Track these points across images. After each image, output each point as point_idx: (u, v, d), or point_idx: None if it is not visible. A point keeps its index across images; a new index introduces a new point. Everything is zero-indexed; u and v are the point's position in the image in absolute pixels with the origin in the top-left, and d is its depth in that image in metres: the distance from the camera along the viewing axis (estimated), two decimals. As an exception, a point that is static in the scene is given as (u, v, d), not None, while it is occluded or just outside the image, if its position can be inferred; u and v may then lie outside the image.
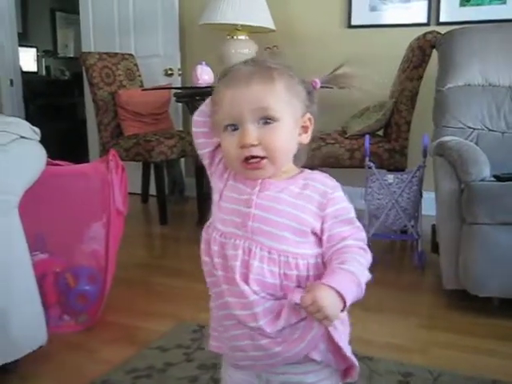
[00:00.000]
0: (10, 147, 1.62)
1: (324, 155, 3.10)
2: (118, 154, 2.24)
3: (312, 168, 1.01)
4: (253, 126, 0.91)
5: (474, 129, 2.67)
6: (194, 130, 1.03)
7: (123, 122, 3.92)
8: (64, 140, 5.66)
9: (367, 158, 2.77)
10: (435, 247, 2.46)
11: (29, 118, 4.42)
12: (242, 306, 0.92)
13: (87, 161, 4.38)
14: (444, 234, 2.23)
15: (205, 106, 1.02)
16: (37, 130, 1.75)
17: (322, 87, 1.03)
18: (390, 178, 2.68)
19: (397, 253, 3.10)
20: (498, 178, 2.15)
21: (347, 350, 0.98)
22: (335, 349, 0.96)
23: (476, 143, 2.52)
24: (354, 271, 0.89)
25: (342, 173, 3.68)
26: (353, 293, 0.87)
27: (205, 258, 0.99)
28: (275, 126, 0.92)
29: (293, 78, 0.96)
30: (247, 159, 0.92)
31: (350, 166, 3.11)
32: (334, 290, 0.84)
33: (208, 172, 1.04)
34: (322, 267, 0.93)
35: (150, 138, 3.61)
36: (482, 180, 2.11)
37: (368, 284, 2.73)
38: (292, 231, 0.92)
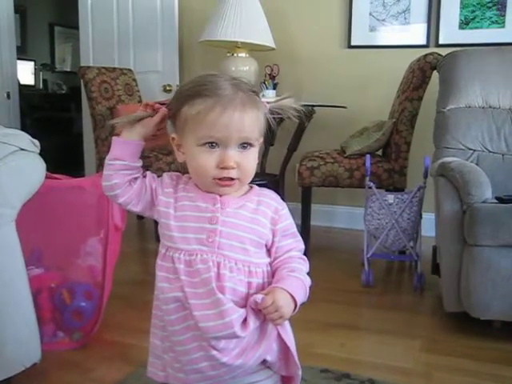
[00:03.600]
0: (9, 159, 1.59)
1: (323, 174, 3.08)
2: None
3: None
4: (234, 151, 1.00)
5: (475, 150, 2.66)
6: (117, 194, 1.08)
7: (121, 137, 3.89)
8: (60, 154, 5.62)
9: (367, 178, 2.76)
10: (435, 269, 2.44)
11: (25, 131, 4.39)
12: (217, 315, 0.98)
13: (83, 176, 4.34)
14: (445, 256, 2.20)
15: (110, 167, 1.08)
16: (36, 142, 1.72)
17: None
18: (391, 198, 2.67)
19: (395, 274, 3.08)
20: (501, 200, 2.14)
21: (294, 351, 1.07)
22: (285, 350, 1.07)
23: (476, 165, 2.51)
24: (302, 278, 1.03)
25: (340, 192, 3.72)
26: (301, 296, 1.01)
27: (162, 285, 1.04)
28: (251, 151, 1.02)
29: (262, 103, 1.05)
30: (222, 178, 1.00)
31: (350, 185, 3.09)
32: (288, 293, 0.98)
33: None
34: (271, 275, 1.05)
35: (147, 153, 3.58)
36: (484, 202, 2.10)
37: (368, 305, 2.69)
38: (252, 244, 1.03)
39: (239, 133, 0.98)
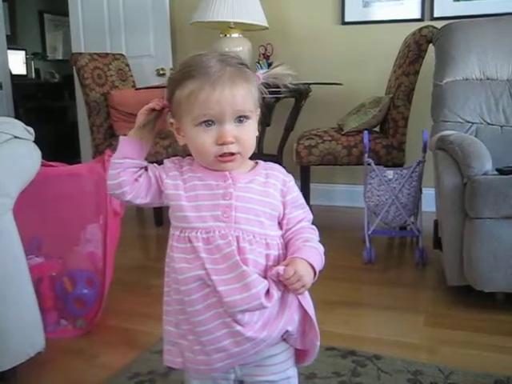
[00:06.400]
0: (4, 147, 1.57)
1: (321, 153, 3.06)
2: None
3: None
4: (231, 125, 1.00)
5: (473, 123, 2.64)
6: (126, 191, 1.07)
7: (116, 123, 3.87)
8: (55, 143, 5.60)
9: (366, 155, 2.74)
10: (437, 243, 2.43)
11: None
12: (243, 288, 0.99)
13: (79, 163, 4.31)
14: (447, 230, 2.19)
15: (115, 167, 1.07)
16: (31, 129, 1.69)
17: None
18: (390, 173, 2.65)
19: (397, 250, 3.08)
20: (501, 172, 2.12)
21: (315, 319, 1.09)
22: (304, 322, 1.09)
23: (475, 137, 2.49)
24: (317, 247, 1.06)
25: (339, 170, 3.70)
26: (319, 264, 1.04)
27: (180, 265, 1.03)
28: (248, 123, 1.02)
29: (254, 76, 1.05)
30: (223, 154, 1.01)
31: (348, 163, 3.08)
32: (307, 262, 1.01)
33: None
34: (284, 247, 1.06)
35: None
36: (485, 174, 2.08)
37: (370, 281, 2.69)
38: (266, 216, 1.04)
39: (232, 107, 0.98)
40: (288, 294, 1.04)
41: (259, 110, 1.07)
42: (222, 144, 0.99)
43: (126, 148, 1.08)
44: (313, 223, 1.12)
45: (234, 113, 0.99)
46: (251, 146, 1.04)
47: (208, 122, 0.99)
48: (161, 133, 3.71)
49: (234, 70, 1.00)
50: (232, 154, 1.01)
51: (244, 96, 1.00)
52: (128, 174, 1.07)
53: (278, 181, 1.07)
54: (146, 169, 1.09)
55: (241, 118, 1.01)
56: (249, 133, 1.03)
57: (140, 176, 1.08)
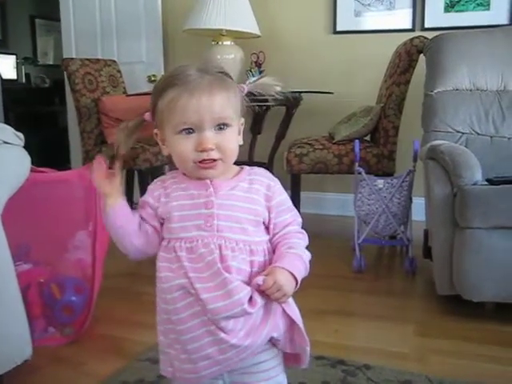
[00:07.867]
0: (-7, 153, 1.55)
1: (312, 161, 3.06)
2: (103, 161, 2.17)
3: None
4: (211, 133, 1.01)
5: (463, 133, 2.66)
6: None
7: (106, 130, 3.85)
8: (45, 149, 5.57)
9: (357, 163, 2.74)
10: (427, 252, 2.44)
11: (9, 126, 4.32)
12: (225, 295, 0.99)
13: (69, 169, 4.29)
14: (437, 239, 2.20)
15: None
16: (20, 135, 1.68)
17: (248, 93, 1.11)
18: (380, 182, 2.66)
19: (387, 259, 3.08)
20: (491, 182, 2.13)
21: (301, 325, 1.09)
22: (290, 328, 1.08)
23: (465, 147, 2.50)
24: (301, 254, 1.05)
25: (330, 179, 3.70)
26: (301, 272, 1.03)
27: (165, 274, 1.04)
28: (228, 131, 1.03)
29: (235, 84, 1.07)
30: (203, 161, 1.02)
31: (339, 171, 3.08)
32: (288, 271, 1.00)
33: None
34: (271, 252, 1.06)
35: (134, 145, 3.54)
36: (475, 184, 2.10)
37: (360, 291, 2.67)
38: (250, 223, 1.04)
39: (211, 114, 1.00)
40: (271, 301, 1.04)
41: (243, 119, 1.07)
42: (202, 151, 1.00)
43: (118, 219, 1.08)
44: (302, 227, 1.11)
45: (213, 120, 1.00)
46: (233, 152, 1.05)
47: (188, 130, 1.01)
48: (150, 140, 3.69)
49: (212, 78, 1.01)
50: (214, 160, 1.02)
51: (222, 103, 1.01)
52: (134, 237, 1.08)
53: (262, 186, 1.07)
54: (142, 218, 1.09)
55: (221, 126, 1.02)
56: (229, 139, 1.03)
57: (140, 227, 1.08)
